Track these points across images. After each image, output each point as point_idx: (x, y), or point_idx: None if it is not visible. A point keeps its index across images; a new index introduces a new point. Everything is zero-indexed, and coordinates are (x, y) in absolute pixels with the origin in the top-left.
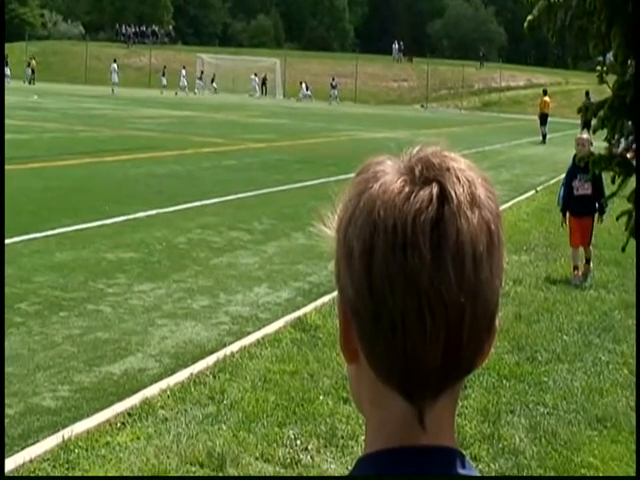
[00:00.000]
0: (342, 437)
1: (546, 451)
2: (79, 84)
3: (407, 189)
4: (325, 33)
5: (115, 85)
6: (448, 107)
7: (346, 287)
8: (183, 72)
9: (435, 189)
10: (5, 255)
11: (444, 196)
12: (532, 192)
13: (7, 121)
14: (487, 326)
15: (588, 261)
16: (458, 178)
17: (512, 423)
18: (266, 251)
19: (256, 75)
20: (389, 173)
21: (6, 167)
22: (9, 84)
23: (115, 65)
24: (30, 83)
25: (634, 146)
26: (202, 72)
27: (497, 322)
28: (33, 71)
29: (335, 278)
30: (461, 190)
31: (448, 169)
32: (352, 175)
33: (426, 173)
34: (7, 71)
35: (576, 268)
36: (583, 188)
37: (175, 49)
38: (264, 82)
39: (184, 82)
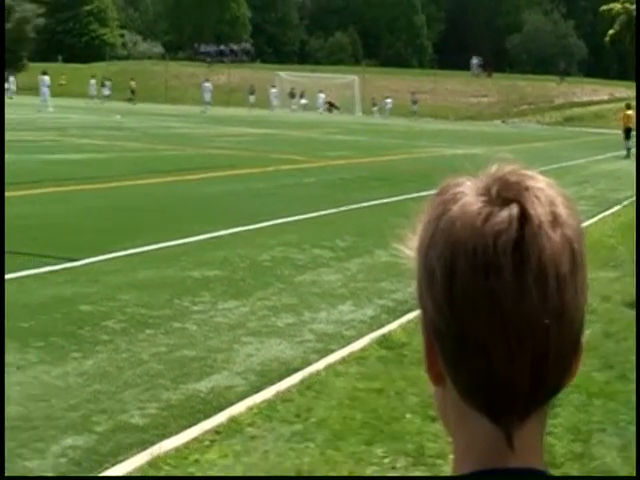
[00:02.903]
0: (430, 456)
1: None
2: (159, 103)
3: (486, 210)
4: (403, 49)
5: (207, 105)
6: (529, 122)
7: (428, 309)
8: (273, 91)
9: (515, 209)
10: (90, 274)
11: (524, 216)
12: (617, 207)
13: (88, 141)
14: (573, 345)
15: None
16: (538, 197)
17: (603, 442)
18: (349, 268)
19: (321, 92)
20: (468, 194)
21: (88, 186)
22: (110, 103)
23: (209, 84)
24: (130, 102)
25: None
26: (292, 88)
27: (583, 340)
28: (133, 92)
29: (417, 300)
30: (541, 210)
31: (527, 188)
32: (432, 192)
33: (505, 193)
34: (106, 91)
35: None
36: None
37: (253, 67)
38: (331, 103)
39: (274, 100)
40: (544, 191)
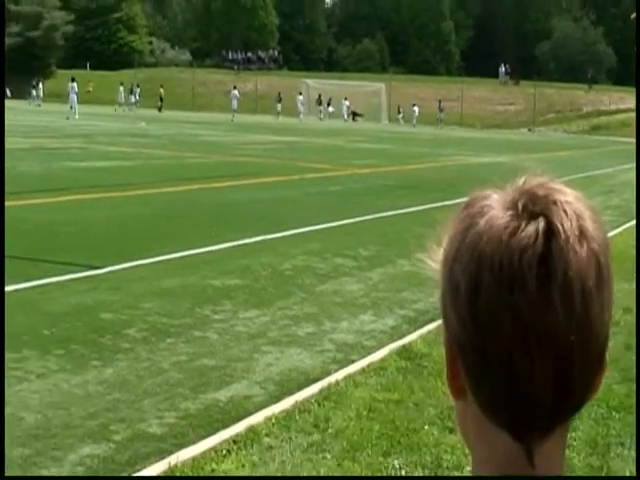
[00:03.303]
0: (447, 467)
1: None
2: (186, 110)
3: (513, 224)
4: (431, 57)
5: (234, 112)
6: (556, 131)
7: (452, 323)
8: (300, 98)
9: (542, 224)
10: (113, 281)
11: (551, 231)
12: None
13: (115, 148)
14: (598, 361)
15: None
16: (565, 212)
17: (622, 456)
18: (371, 278)
19: (346, 99)
20: (495, 208)
21: (114, 194)
22: (138, 110)
23: (236, 92)
24: (159, 110)
25: None
26: (319, 95)
27: (607, 355)
28: (161, 99)
29: (441, 313)
30: (569, 224)
31: (555, 202)
32: (458, 201)
33: (532, 207)
34: (132, 98)
35: None
36: None
37: (280, 74)
38: (354, 113)
39: (300, 108)
40: (572, 205)
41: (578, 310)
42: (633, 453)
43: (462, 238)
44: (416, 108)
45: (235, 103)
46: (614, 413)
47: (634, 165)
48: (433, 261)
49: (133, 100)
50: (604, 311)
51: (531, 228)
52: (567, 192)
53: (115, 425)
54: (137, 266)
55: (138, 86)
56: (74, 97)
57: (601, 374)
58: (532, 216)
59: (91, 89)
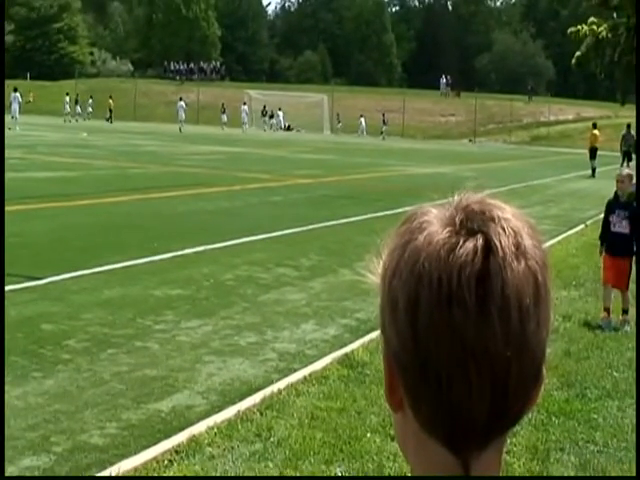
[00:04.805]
0: (389, 475)
1: None
2: (128, 121)
3: (452, 241)
4: (372, 68)
5: (182, 123)
6: (496, 141)
7: (391, 338)
8: (245, 108)
9: (480, 240)
10: (53, 292)
11: (489, 248)
12: (581, 227)
13: (56, 159)
14: (534, 376)
15: (625, 311)
16: (504, 229)
17: (561, 461)
18: (313, 287)
19: (280, 109)
20: (434, 224)
21: (55, 204)
22: (89, 122)
23: (183, 103)
24: (107, 121)
25: None
26: (264, 107)
27: (544, 370)
28: (111, 110)
29: (380, 327)
30: (507, 241)
31: (493, 219)
32: (400, 210)
33: (470, 224)
34: (79, 109)
35: (606, 309)
36: (620, 225)
37: (223, 85)
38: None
39: (245, 118)
40: (510, 221)
41: (515, 327)
42: (572, 458)
43: (401, 253)
44: (362, 119)
45: (182, 114)
46: (554, 419)
47: (573, 175)
48: (372, 274)
49: (80, 110)
50: (541, 328)
51: (469, 245)
52: (505, 209)
53: (56, 436)
54: (78, 277)
55: (91, 97)
56: (16, 107)
57: (538, 388)
58: (470, 233)
59: (31, 99)
